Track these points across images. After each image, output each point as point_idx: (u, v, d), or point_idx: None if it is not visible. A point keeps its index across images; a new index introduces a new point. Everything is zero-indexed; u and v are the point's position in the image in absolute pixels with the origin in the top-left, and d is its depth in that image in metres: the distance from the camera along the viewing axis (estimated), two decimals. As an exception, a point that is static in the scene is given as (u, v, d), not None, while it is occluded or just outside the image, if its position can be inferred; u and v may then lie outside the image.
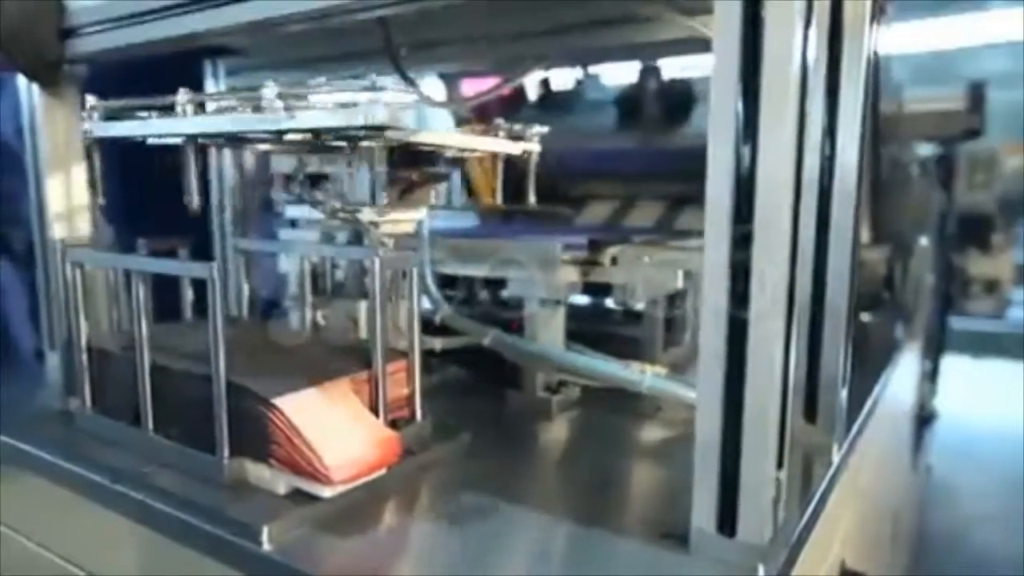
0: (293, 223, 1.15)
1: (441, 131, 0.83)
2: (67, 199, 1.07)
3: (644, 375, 0.84)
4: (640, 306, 1.02)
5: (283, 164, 0.92)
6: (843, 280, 0.72)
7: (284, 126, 0.71)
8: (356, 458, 0.60)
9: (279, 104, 0.70)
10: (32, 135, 1.05)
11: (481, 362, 0.92)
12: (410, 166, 0.87)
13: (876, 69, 0.74)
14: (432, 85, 1.52)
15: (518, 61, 0.98)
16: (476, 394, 0.92)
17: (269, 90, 0.73)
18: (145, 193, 1.43)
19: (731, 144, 0.49)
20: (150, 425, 0.70)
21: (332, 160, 0.87)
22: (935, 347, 2.24)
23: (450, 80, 1.57)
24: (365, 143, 0.80)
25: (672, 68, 1.56)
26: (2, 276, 1.91)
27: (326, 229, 0.99)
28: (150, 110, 0.85)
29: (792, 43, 0.46)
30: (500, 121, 0.90)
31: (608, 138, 1.61)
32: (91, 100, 0.81)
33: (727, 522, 0.52)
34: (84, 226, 1.08)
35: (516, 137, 0.91)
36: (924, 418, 2.14)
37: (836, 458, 0.72)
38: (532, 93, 1.71)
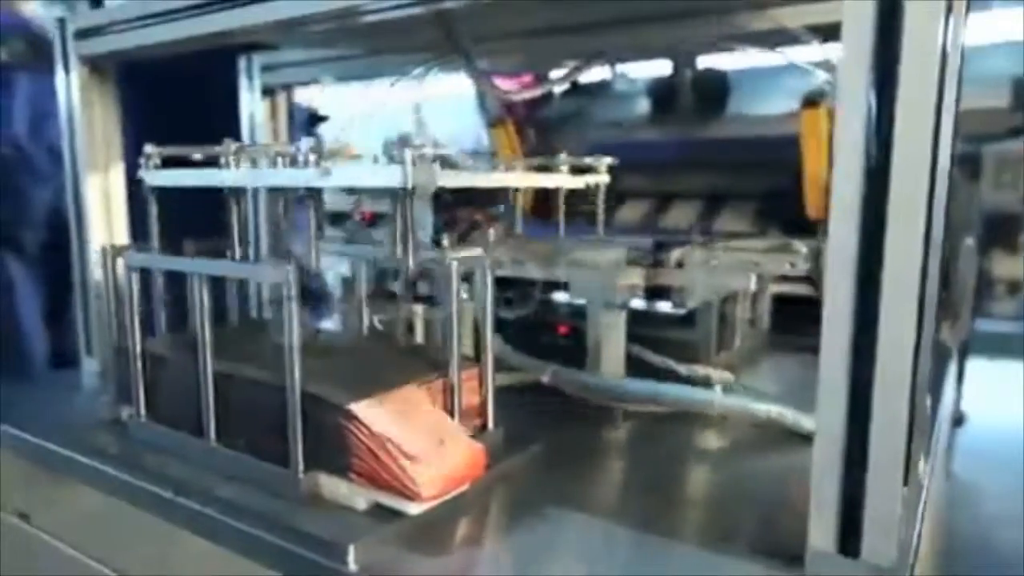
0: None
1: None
2: (105, 200, 1.05)
3: (714, 394, 0.80)
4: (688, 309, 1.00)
5: (337, 202, 0.89)
6: (933, 282, 0.69)
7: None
8: (444, 472, 0.56)
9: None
10: (70, 136, 1.02)
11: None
12: (469, 205, 0.85)
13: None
14: (463, 83, 1.49)
15: (577, 55, 0.95)
16: (535, 399, 0.88)
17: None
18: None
19: (861, 137, 0.46)
20: (212, 435, 0.67)
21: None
22: (963, 349, 2.20)
23: (480, 78, 1.54)
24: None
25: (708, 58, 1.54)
26: (15, 279, 1.88)
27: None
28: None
29: (936, 30, 0.43)
30: (564, 156, 0.88)
31: (640, 130, 1.58)
32: (148, 148, 0.76)
33: (850, 542, 0.49)
34: (121, 228, 1.06)
35: (583, 169, 0.89)
36: (955, 421, 2.11)
37: (927, 470, 0.69)
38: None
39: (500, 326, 0.89)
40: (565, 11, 0.88)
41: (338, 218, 0.97)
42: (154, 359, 0.74)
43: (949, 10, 0.44)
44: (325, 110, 1.56)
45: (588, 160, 0.90)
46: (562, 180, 0.86)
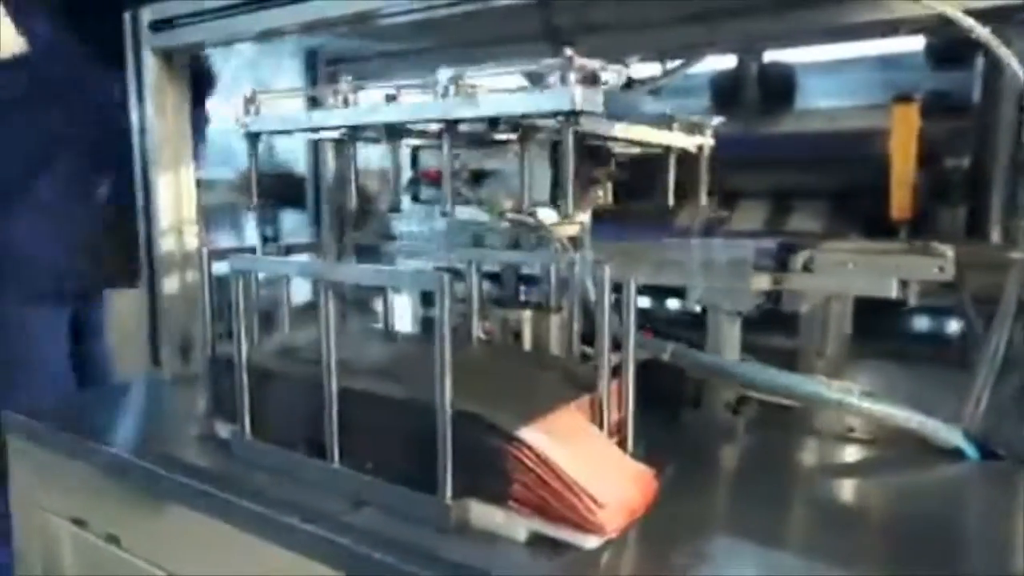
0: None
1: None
2: (176, 199, 0.99)
3: (851, 394, 0.75)
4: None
5: (436, 160, 0.83)
6: None
7: (461, 113, 0.61)
8: (624, 501, 0.51)
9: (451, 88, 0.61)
10: (140, 132, 0.97)
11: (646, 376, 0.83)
12: (586, 162, 0.79)
13: None
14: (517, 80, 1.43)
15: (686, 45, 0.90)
16: (650, 413, 0.83)
17: (442, 74, 0.63)
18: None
19: None
20: (336, 456, 0.62)
21: (496, 156, 0.78)
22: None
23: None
24: (541, 135, 0.72)
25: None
26: None
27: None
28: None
29: None
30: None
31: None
32: (248, 91, 0.72)
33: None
34: (191, 228, 1.01)
35: (692, 130, 0.82)
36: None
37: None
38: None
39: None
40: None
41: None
42: (259, 372, 0.68)
43: None
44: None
45: (695, 118, 0.84)
46: (678, 139, 0.80)
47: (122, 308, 2.08)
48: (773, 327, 0.97)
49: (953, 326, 1.19)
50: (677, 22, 0.86)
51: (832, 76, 1.56)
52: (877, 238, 1.00)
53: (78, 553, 0.80)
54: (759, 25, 0.84)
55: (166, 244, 0.98)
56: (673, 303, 1.30)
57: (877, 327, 1.17)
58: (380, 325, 0.82)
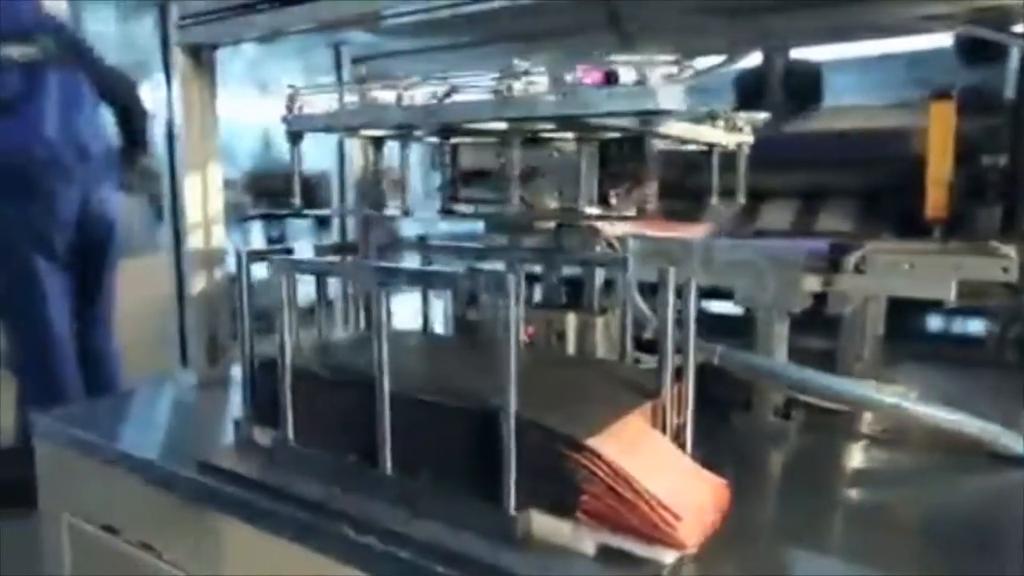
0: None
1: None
2: (203, 197, 0.97)
3: (907, 399, 0.73)
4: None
5: (478, 159, 0.81)
6: None
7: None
8: (700, 513, 0.49)
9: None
10: (169, 129, 0.95)
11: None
12: (634, 162, 0.77)
13: None
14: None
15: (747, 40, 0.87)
16: (700, 417, 0.81)
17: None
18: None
19: None
20: (388, 465, 0.59)
21: (540, 155, 0.77)
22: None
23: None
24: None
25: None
26: (46, 284, 1.81)
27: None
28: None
29: None
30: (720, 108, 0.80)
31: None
32: (291, 87, 0.70)
33: None
34: (219, 229, 0.99)
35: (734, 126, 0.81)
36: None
37: None
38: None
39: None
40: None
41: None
42: (304, 376, 0.66)
43: None
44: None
45: (743, 114, 0.82)
46: (720, 136, 0.78)
47: (129, 308, 2.06)
48: (802, 329, 0.96)
49: (978, 326, 1.17)
50: (728, 18, 0.84)
51: (860, 73, 1.54)
52: (909, 238, 0.98)
53: (110, 562, 0.78)
54: (803, 22, 0.82)
55: (194, 242, 0.96)
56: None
57: (902, 328, 1.15)
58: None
